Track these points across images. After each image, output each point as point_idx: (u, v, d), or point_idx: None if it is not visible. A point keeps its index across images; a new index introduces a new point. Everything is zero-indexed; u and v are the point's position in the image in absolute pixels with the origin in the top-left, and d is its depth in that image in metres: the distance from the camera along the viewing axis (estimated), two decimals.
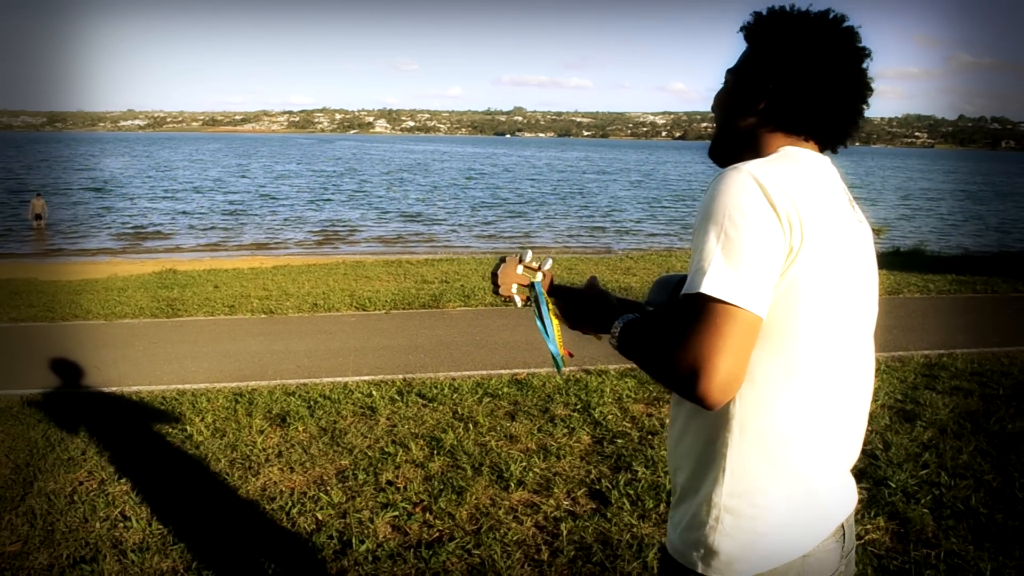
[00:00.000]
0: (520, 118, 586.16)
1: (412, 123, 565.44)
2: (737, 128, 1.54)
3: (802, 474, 1.39)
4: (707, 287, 1.29)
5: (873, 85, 1.48)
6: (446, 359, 7.12)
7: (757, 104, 1.50)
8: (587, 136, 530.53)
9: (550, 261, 1.83)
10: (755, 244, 1.29)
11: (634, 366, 1.27)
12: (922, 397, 5.72)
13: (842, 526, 1.46)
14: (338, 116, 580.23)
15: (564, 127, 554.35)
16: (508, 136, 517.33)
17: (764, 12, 1.52)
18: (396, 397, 5.82)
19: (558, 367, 1.78)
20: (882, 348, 7.35)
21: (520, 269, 1.81)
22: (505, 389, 5.93)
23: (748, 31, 1.53)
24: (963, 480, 4.27)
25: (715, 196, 1.33)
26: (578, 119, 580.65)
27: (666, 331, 1.36)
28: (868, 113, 1.51)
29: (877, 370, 6.41)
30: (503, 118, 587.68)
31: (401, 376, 6.46)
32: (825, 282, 1.35)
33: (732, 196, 1.31)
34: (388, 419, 5.36)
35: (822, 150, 1.53)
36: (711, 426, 1.42)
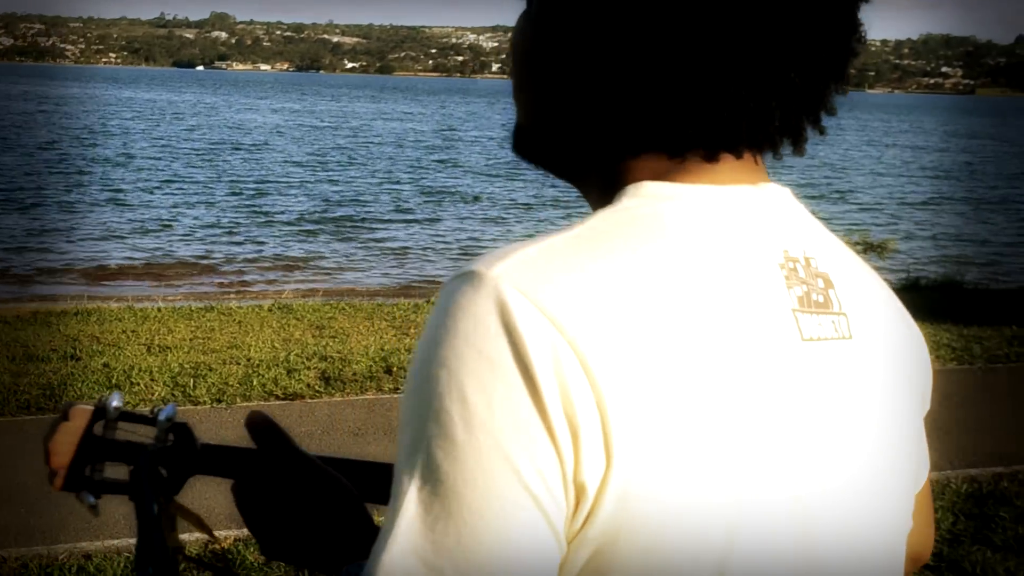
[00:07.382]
0: (223, 34, 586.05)
1: None
2: (557, 131, 1.40)
3: None
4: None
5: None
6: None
7: (581, 81, 1.32)
8: (352, 69, 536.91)
9: (171, 408, 1.74)
10: (492, 493, 1.06)
11: None
12: (967, 558, 5.91)
13: None
14: None
15: (309, 53, 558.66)
16: (201, 68, 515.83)
17: None
18: None
19: None
20: None
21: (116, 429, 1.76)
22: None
23: None
24: None
25: (428, 348, 1.13)
26: (335, 38, 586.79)
27: None
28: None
29: None
30: (190, 35, 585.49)
31: None
32: (689, 536, 1.12)
33: (453, 361, 1.09)
34: None
35: (756, 156, 1.34)
36: None
